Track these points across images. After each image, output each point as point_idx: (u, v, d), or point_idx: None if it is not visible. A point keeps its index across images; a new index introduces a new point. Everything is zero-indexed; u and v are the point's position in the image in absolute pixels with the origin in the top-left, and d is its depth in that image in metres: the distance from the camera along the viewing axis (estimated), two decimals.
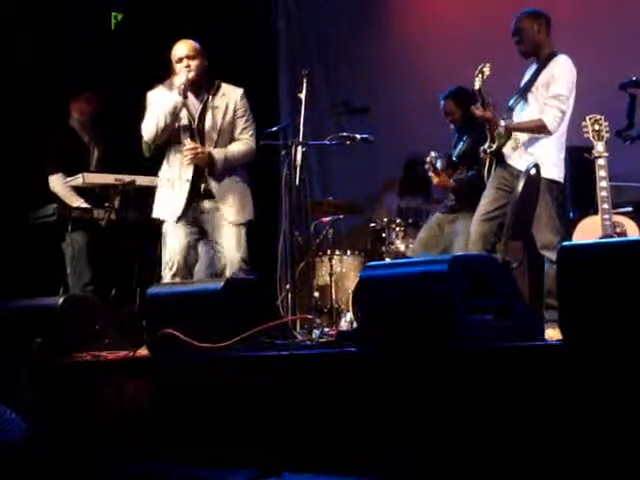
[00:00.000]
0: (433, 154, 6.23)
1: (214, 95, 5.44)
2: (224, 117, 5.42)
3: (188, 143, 5.34)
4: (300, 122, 5.56)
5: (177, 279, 5.38)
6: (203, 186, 5.40)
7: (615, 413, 3.03)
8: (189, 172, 5.38)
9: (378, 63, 8.11)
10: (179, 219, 5.40)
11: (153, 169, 6.45)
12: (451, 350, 3.45)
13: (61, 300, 5.00)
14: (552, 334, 4.52)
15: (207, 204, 5.43)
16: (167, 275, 5.43)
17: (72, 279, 6.43)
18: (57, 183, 6.54)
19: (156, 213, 5.53)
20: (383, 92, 7.90)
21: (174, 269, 5.41)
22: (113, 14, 7.82)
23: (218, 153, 5.36)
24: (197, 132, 5.42)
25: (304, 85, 5.59)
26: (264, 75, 8.32)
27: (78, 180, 6.39)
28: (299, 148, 5.44)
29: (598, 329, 3.12)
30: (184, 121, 5.40)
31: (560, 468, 3.16)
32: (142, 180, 6.37)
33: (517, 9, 5.54)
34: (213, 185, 5.40)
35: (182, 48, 5.38)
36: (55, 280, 6.42)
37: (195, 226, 5.45)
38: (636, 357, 3.02)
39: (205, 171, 5.38)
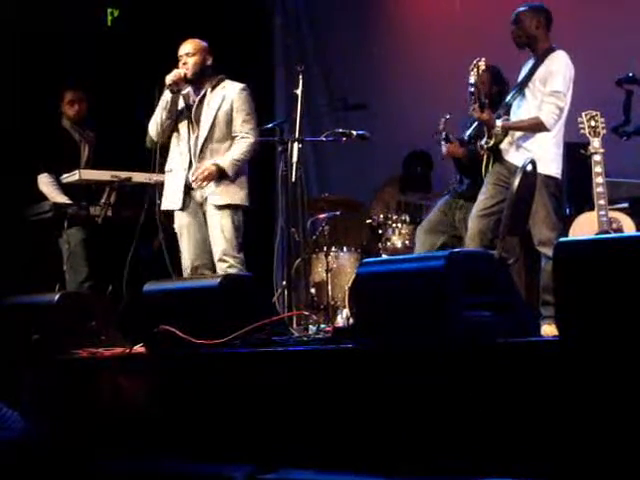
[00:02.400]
0: (449, 116, 5.89)
1: (213, 88, 5.52)
2: (219, 109, 5.48)
3: (192, 172, 5.43)
4: (296, 118, 5.56)
5: (199, 271, 5.46)
6: (192, 174, 5.44)
7: (611, 408, 3.04)
8: (186, 161, 5.47)
9: (376, 59, 8.11)
10: (183, 209, 5.47)
11: (149, 166, 6.46)
12: (447, 346, 3.45)
13: (57, 297, 5.00)
14: (548, 330, 4.53)
15: (199, 195, 5.47)
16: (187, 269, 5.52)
17: (68, 276, 6.43)
18: (43, 182, 6.53)
19: (164, 205, 5.60)
20: (381, 88, 7.89)
21: (189, 267, 5.49)
22: (109, 10, 7.81)
23: (223, 162, 5.41)
24: (193, 122, 5.49)
25: (300, 81, 5.60)
26: (260, 71, 8.31)
27: (74, 176, 6.38)
28: (295, 145, 5.45)
29: (594, 325, 3.13)
30: (182, 113, 5.52)
31: (556, 462, 3.16)
32: (138, 177, 6.37)
33: (517, 5, 5.53)
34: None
35: (183, 46, 5.54)
36: (51, 277, 6.42)
37: (203, 220, 5.49)
38: (632, 353, 3.02)
39: (195, 162, 5.43)
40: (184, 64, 5.46)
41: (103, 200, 6.43)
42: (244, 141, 5.46)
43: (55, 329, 4.86)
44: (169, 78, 5.40)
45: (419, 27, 8.03)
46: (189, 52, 5.49)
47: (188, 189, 5.47)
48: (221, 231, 5.39)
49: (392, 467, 3.51)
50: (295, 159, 5.44)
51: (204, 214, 5.49)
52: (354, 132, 5.84)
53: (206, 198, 5.44)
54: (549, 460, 3.18)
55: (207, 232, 5.49)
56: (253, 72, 7.23)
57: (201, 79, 5.51)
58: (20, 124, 6.91)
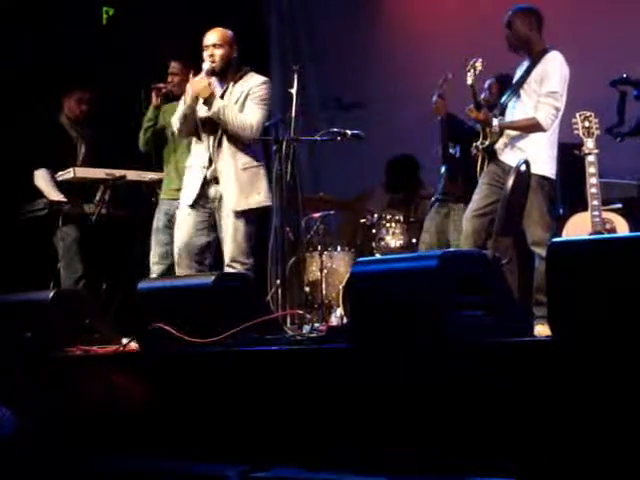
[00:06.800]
0: (451, 75, 5.72)
1: (235, 82, 5.44)
2: (236, 102, 5.39)
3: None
4: (291, 118, 5.56)
5: (179, 269, 5.40)
6: (210, 171, 5.40)
7: (603, 408, 3.05)
8: (205, 159, 5.41)
9: (370, 59, 8.11)
10: (192, 205, 5.41)
11: (143, 165, 6.47)
12: (440, 346, 3.46)
13: (51, 294, 4.99)
14: (541, 330, 4.54)
15: (213, 191, 5.42)
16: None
17: (64, 273, 6.43)
18: (40, 177, 6.53)
19: (181, 201, 5.56)
20: (375, 88, 7.90)
21: (176, 255, 5.43)
22: (105, 9, 7.80)
23: (221, 101, 5.30)
24: (210, 118, 5.39)
25: (295, 81, 5.60)
26: (256, 71, 8.31)
27: (69, 174, 6.39)
28: (290, 144, 5.45)
29: (587, 325, 3.14)
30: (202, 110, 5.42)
31: (550, 462, 3.17)
32: (132, 175, 6.38)
33: (510, 4, 5.54)
34: (219, 171, 5.38)
35: (210, 36, 5.40)
36: (46, 274, 6.42)
37: (206, 216, 5.44)
38: (624, 353, 3.03)
39: (214, 159, 5.37)
40: (210, 55, 5.35)
41: (97, 198, 6.44)
42: (248, 116, 5.34)
43: (49, 327, 4.86)
44: (191, 91, 5.29)
45: (415, 26, 8.03)
46: (216, 43, 5.37)
47: (204, 186, 5.42)
48: (233, 235, 5.33)
49: (386, 466, 3.51)
50: (290, 158, 5.43)
51: (212, 212, 5.43)
52: (349, 132, 5.84)
53: (221, 197, 5.38)
54: (542, 460, 3.19)
55: (203, 230, 5.44)
56: None
57: (226, 73, 5.42)
58: (16, 121, 6.92)
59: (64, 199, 6.44)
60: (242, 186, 5.36)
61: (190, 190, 5.45)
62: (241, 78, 5.45)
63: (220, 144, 5.39)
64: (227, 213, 5.37)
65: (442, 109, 5.89)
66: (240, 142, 5.38)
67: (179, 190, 6.00)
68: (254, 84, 5.43)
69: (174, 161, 6.19)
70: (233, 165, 5.37)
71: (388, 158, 7.37)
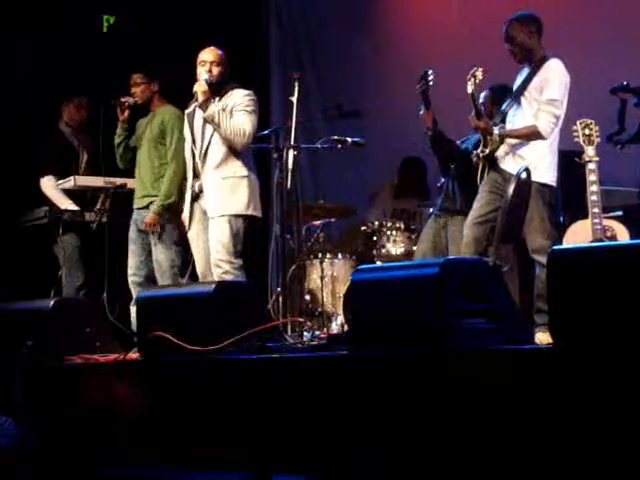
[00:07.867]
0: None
1: (221, 97, 5.52)
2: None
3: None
4: (292, 125, 5.57)
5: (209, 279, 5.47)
6: (198, 185, 5.49)
7: (604, 416, 3.04)
8: (190, 173, 5.56)
9: (370, 65, 8.12)
10: (191, 219, 5.56)
11: None
12: (441, 353, 3.46)
13: (52, 303, 4.99)
14: (542, 338, 4.54)
15: (203, 205, 5.51)
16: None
17: (65, 282, 6.43)
18: (47, 185, 6.53)
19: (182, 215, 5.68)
20: (375, 95, 7.90)
21: (200, 275, 5.56)
22: (105, 17, 7.82)
23: (216, 105, 5.44)
24: (195, 135, 5.56)
25: (296, 88, 5.61)
26: (256, 78, 8.32)
27: (69, 182, 6.39)
28: (291, 151, 5.46)
29: (588, 333, 3.14)
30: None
31: (550, 470, 3.17)
32: (133, 183, 6.37)
33: (510, 11, 5.53)
34: (203, 184, 5.49)
35: (208, 53, 5.56)
36: (46, 283, 6.42)
37: (207, 226, 5.51)
38: (625, 360, 3.03)
39: (199, 173, 5.50)
40: (209, 71, 5.48)
41: (98, 206, 6.44)
42: (238, 122, 5.42)
43: (49, 335, 4.86)
44: (203, 91, 5.42)
45: (415, 34, 8.04)
46: (214, 61, 5.52)
47: (195, 199, 5.53)
48: (218, 238, 5.39)
49: (386, 472, 3.51)
50: (290, 166, 5.44)
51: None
52: (349, 139, 5.85)
53: (203, 209, 5.50)
54: (542, 466, 3.19)
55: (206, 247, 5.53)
56: (249, 79, 7.22)
57: (218, 89, 5.51)
58: (19, 129, 6.93)
59: (76, 207, 6.45)
60: (220, 194, 5.44)
61: (185, 207, 5.59)
62: (226, 93, 5.54)
63: (205, 159, 5.49)
64: (211, 220, 5.46)
65: (428, 121, 5.76)
66: (225, 154, 5.45)
67: (141, 198, 6.03)
68: (238, 97, 5.51)
69: (137, 170, 6.17)
70: (215, 176, 5.46)
71: (397, 161, 7.41)
